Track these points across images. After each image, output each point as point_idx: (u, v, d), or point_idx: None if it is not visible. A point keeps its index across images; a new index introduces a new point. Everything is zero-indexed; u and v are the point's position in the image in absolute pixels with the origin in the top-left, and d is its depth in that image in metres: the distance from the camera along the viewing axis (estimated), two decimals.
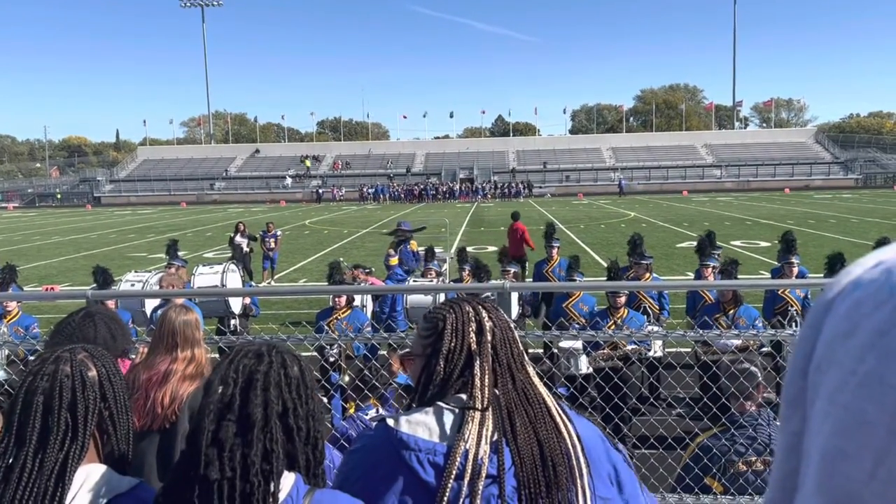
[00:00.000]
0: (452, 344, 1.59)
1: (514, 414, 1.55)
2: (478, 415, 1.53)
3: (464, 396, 1.57)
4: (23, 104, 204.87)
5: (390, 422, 1.56)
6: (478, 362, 1.58)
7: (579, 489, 1.54)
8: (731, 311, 6.88)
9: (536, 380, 1.65)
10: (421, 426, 1.53)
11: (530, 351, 9.07)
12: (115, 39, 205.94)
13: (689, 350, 7.38)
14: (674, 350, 7.59)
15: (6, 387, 4.14)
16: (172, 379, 2.98)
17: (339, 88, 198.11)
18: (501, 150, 76.56)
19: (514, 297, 3.57)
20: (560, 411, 1.62)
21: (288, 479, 1.51)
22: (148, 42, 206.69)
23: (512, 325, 1.71)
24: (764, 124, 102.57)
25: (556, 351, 6.85)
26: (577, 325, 7.30)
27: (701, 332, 3.63)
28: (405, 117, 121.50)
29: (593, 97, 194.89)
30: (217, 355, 4.32)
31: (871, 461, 0.42)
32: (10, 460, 1.53)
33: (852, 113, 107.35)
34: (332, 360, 6.27)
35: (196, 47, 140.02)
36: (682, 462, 3.39)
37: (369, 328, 7.00)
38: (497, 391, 1.57)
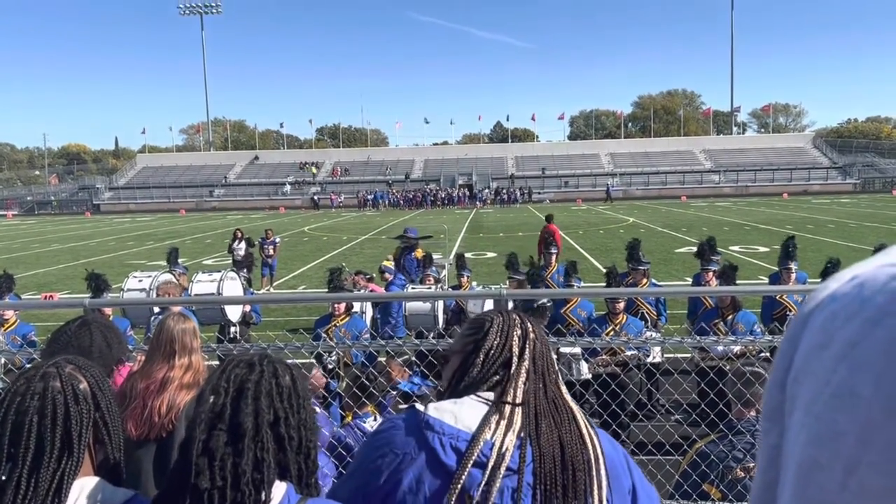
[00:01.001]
0: (496, 342, 1.65)
1: (541, 417, 1.58)
2: (507, 410, 1.56)
3: (492, 396, 1.61)
4: (22, 112, 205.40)
5: (419, 406, 1.60)
6: (517, 362, 1.63)
7: (596, 500, 1.54)
8: (730, 317, 6.88)
9: (567, 394, 1.69)
10: (448, 413, 1.56)
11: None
12: (115, 47, 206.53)
13: (687, 356, 7.37)
14: (672, 356, 7.58)
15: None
16: (170, 387, 2.96)
17: (338, 95, 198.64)
18: (500, 157, 76.66)
19: (509, 304, 3.56)
20: (587, 423, 1.64)
21: (279, 489, 1.50)
22: (147, 50, 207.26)
23: (548, 341, 1.76)
24: (762, 129, 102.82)
25: (556, 356, 6.84)
26: (575, 331, 7.29)
27: (698, 338, 3.63)
28: (399, 125, 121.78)
29: (591, 103, 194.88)
30: (218, 363, 4.31)
31: (842, 472, 0.43)
32: (3, 478, 1.49)
33: (850, 118, 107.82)
34: (329, 367, 6.26)
35: (195, 55, 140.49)
36: (680, 468, 3.38)
37: (367, 335, 6.99)
38: (529, 398, 1.60)
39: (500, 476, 1.50)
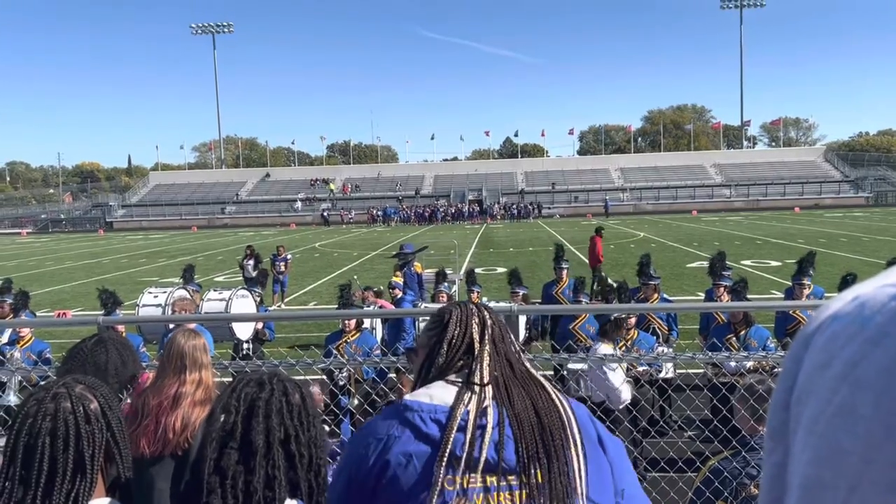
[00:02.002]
0: (456, 332, 1.72)
1: (511, 388, 1.66)
2: (476, 388, 1.62)
3: (460, 379, 1.67)
4: (37, 131, 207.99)
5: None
6: (479, 348, 1.70)
7: (573, 452, 1.62)
8: (742, 332, 6.84)
9: (535, 373, 1.76)
10: (422, 395, 1.63)
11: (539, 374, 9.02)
12: (128, 67, 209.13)
13: (699, 371, 7.33)
14: (684, 371, 7.54)
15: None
16: (183, 403, 2.95)
17: (348, 112, 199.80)
18: (510, 172, 76.80)
19: (522, 320, 3.56)
20: (555, 389, 1.73)
21: None
22: (160, 69, 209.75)
23: (508, 329, 1.83)
24: (772, 143, 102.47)
25: (564, 374, 6.82)
26: (584, 347, 7.27)
27: (710, 354, 3.62)
28: (408, 142, 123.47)
29: (600, 118, 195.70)
30: (230, 380, 4.32)
31: (845, 490, 0.43)
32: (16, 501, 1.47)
33: (861, 131, 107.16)
34: (341, 383, 6.26)
35: (207, 74, 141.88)
36: (693, 485, 3.36)
37: (378, 351, 7.00)
38: (497, 378, 1.67)
39: (483, 431, 1.57)
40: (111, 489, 1.67)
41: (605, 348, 5.85)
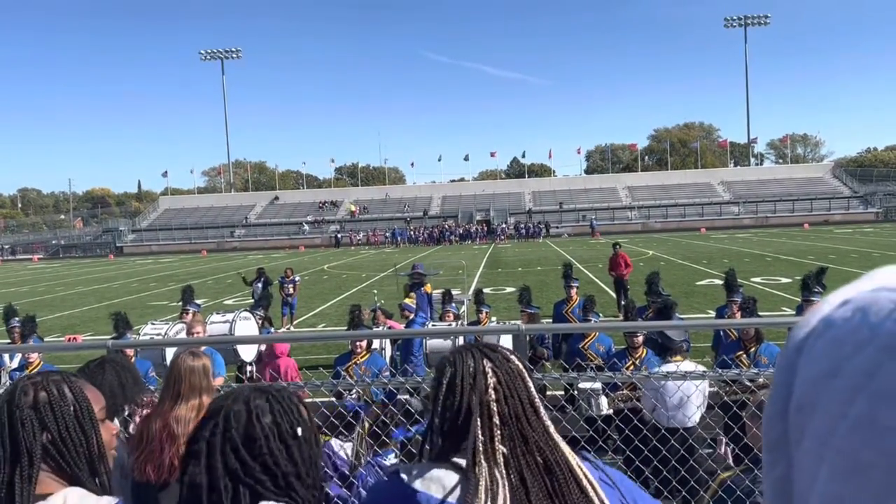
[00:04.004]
0: (450, 401, 1.49)
1: (529, 478, 1.41)
2: (484, 477, 1.40)
3: (462, 462, 1.46)
4: (48, 158, 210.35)
5: (403, 476, 1.50)
6: (480, 419, 1.45)
7: None
8: (753, 349, 6.79)
9: (557, 438, 1.50)
10: (435, 483, 1.45)
11: (548, 393, 9.00)
12: (137, 92, 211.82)
13: (712, 389, 7.27)
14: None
15: None
16: (186, 430, 2.90)
17: (356, 135, 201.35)
18: (517, 192, 76.97)
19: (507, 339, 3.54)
20: (587, 477, 1.46)
21: None
22: (169, 95, 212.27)
23: (525, 375, 1.54)
24: (780, 160, 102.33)
25: (575, 393, 6.78)
26: (593, 366, 7.23)
27: (720, 371, 3.60)
28: (413, 164, 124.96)
29: (607, 137, 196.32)
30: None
31: None
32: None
33: (869, 147, 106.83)
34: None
35: (216, 99, 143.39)
36: (704, 502, 3.33)
37: (387, 372, 6.99)
38: (505, 451, 1.44)
39: None
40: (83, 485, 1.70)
41: (687, 365, 5.72)
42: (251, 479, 1.48)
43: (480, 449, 1.43)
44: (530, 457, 1.43)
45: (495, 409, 1.46)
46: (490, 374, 1.50)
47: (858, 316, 0.46)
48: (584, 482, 1.43)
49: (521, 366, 1.55)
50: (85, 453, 1.73)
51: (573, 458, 1.48)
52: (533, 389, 1.53)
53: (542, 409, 1.51)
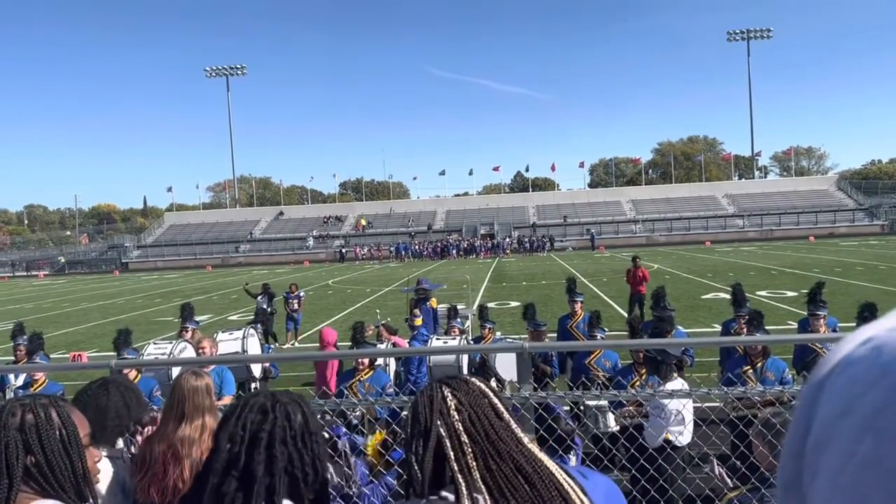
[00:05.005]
0: (416, 428, 1.49)
1: (508, 492, 1.41)
2: None
3: (451, 496, 1.44)
4: (55, 175, 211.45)
5: None
6: (447, 447, 1.45)
7: None
8: (759, 364, 6.75)
9: (531, 447, 1.50)
10: None
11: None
12: (143, 109, 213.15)
13: (716, 405, 7.22)
14: (699, 405, 7.43)
15: None
16: (189, 451, 2.87)
17: (360, 150, 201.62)
18: (521, 206, 77.06)
19: (512, 357, 3.52)
20: (570, 480, 1.47)
21: None
22: (175, 111, 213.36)
23: (488, 392, 1.55)
24: (784, 173, 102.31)
25: (581, 408, 6.74)
26: (599, 383, 7.20)
27: (726, 389, 3.58)
28: (416, 178, 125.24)
29: (610, 151, 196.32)
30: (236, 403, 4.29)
31: None
32: None
33: (874, 159, 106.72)
34: (354, 423, 6.22)
35: (221, 115, 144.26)
36: None
37: (391, 389, 6.97)
38: (485, 475, 1.42)
39: None
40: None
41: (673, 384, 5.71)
42: (302, 471, 1.59)
43: (457, 471, 1.42)
44: (506, 467, 1.42)
45: (461, 427, 1.46)
46: (450, 397, 1.50)
47: (874, 354, 0.46)
48: (566, 486, 1.42)
49: (482, 385, 1.56)
50: (70, 477, 1.73)
51: (551, 465, 1.47)
52: (500, 405, 1.53)
53: (512, 423, 1.51)
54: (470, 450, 1.44)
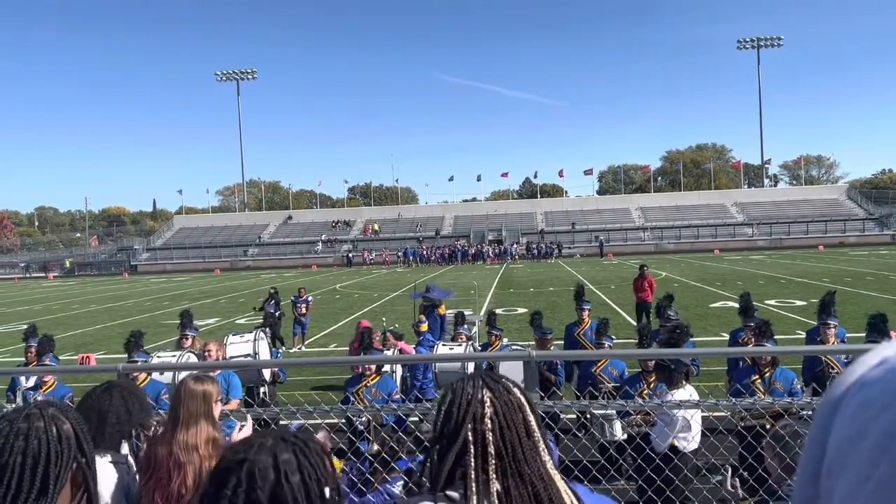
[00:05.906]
0: (447, 428, 1.47)
1: None
2: None
3: (456, 495, 1.43)
4: (65, 177, 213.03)
5: None
6: (470, 453, 1.42)
7: None
8: (768, 374, 6.70)
9: (554, 474, 1.47)
10: None
11: (561, 417, 8.88)
12: (154, 113, 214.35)
13: (723, 415, 7.17)
14: (707, 415, 7.37)
15: None
16: (192, 457, 2.84)
17: (369, 155, 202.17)
18: (529, 212, 77.00)
19: (518, 365, 3.49)
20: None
21: None
22: (185, 115, 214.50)
23: (527, 409, 1.51)
24: (794, 182, 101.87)
25: (588, 416, 6.71)
26: (607, 391, 7.17)
27: (734, 400, 3.55)
28: (427, 185, 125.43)
29: (619, 158, 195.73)
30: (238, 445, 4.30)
31: None
32: None
33: (884, 168, 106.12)
34: (360, 429, 6.21)
35: (231, 119, 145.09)
36: None
37: (398, 396, 6.96)
38: (499, 487, 1.41)
39: None
40: None
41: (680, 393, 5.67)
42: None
43: (472, 478, 1.40)
44: (525, 491, 1.40)
45: (490, 439, 1.43)
46: (488, 403, 1.47)
47: (889, 377, 0.46)
48: None
49: (522, 398, 1.52)
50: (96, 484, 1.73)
51: (567, 496, 1.44)
52: (534, 423, 1.49)
53: (541, 444, 1.48)
54: (494, 464, 1.41)
